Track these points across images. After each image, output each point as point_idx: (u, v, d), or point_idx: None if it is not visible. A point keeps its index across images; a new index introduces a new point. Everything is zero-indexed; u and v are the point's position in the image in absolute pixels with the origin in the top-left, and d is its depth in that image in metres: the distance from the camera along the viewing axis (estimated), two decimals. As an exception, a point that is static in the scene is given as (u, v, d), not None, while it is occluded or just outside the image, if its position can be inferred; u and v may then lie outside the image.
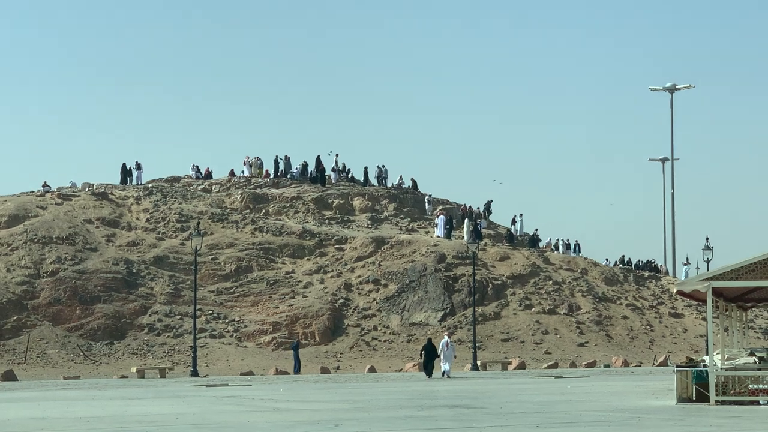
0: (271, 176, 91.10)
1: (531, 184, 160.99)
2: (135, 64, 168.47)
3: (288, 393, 39.55)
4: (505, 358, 66.95)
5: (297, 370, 59.74)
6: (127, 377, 56.41)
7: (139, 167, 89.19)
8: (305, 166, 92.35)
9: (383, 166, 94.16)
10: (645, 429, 23.37)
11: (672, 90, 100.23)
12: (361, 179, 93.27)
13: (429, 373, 53.96)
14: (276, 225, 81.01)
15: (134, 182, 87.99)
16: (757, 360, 31.45)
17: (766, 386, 30.26)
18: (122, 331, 67.21)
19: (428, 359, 54.64)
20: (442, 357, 54.61)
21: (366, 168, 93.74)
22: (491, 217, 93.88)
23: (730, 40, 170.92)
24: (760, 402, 29.77)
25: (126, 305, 68.88)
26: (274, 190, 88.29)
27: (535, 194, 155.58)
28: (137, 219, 78.96)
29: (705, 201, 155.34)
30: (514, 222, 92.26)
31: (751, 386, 30.41)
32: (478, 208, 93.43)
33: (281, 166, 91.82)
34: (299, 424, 25.32)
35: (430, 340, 57.53)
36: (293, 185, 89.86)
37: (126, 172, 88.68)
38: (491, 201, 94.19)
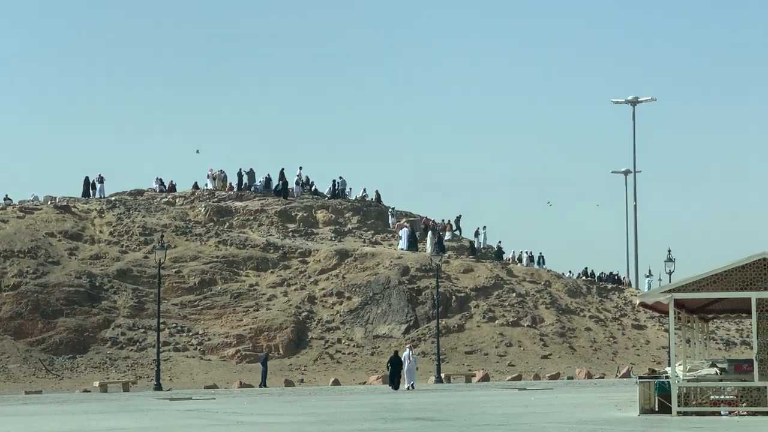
0: (235, 189, 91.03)
1: (495, 197, 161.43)
2: (97, 76, 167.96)
3: (252, 406, 39.49)
4: (469, 370, 67.10)
5: (263, 383, 59.65)
6: (89, 391, 56.15)
7: (101, 180, 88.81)
8: (269, 179, 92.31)
9: (341, 178, 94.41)
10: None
11: (634, 103, 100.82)
12: (325, 192, 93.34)
13: (395, 386, 54.03)
14: (240, 238, 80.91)
15: (97, 195, 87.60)
16: (718, 371, 31.66)
17: (727, 397, 30.48)
18: (85, 344, 66.88)
19: (394, 372, 54.77)
20: (405, 369, 54.72)
21: (334, 181, 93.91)
22: (461, 231, 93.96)
23: (691, 54, 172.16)
24: (722, 413, 29.97)
25: (89, 319, 68.56)
26: (238, 203, 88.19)
27: (498, 206, 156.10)
28: (100, 232, 78.66)
29: (667, 213, 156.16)
30: (477, 234, 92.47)
31: (712, 397, 30.62)
32: (443, 220, 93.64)
33: (245, 179, 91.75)
34: (263, 437, 25.29)
35: (396, 352, 57.60)
36: (257, 198, 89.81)
37: (89, 185, 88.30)
38: (460, 216, 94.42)
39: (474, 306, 77.02)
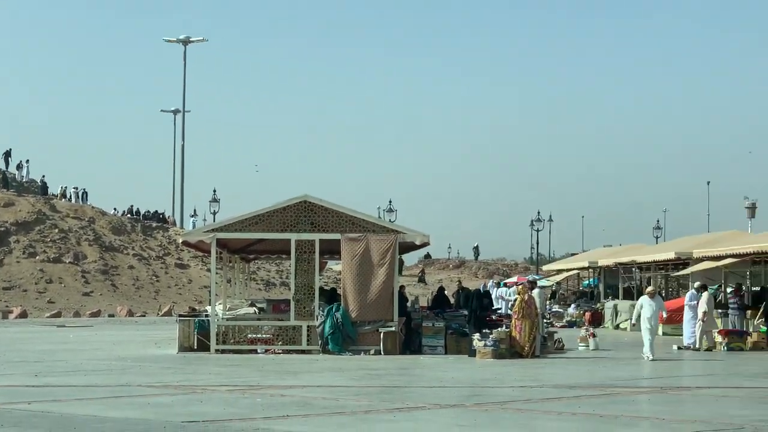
0: None
1: (39, 129, 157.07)
2: None
3: None
4: (7, 306, 65.27)
5: None
6: None
7: None
8: None
9: None
10: (144, 377, 23.57)
11: (185, 42, 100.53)
12: None
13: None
14: None
15: None
16: (257, 310, 32.50)
17: (263, 336, 31.37)
18: None
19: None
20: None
21: None
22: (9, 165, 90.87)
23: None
24: (258, 351, 30.79)
25: None
26: None
27: (44, 139, 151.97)
28: None
29: (214, 154, 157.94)
30: (19, 167, 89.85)
31: (250, 336, 31.42)
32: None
33: None
34: None
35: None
36: None
37: None
38: (10, 149, 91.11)
39: (14, 241, 74.87)
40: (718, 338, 34.41)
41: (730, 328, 35.85)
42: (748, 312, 37.11)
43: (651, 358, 29.38)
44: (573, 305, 56.27)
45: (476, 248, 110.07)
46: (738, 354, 32.56)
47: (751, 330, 35.43)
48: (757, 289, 42.05)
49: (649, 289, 32.01)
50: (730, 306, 37.71)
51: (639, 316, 30.78)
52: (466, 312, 33.05)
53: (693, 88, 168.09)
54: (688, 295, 36.59)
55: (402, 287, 34.76)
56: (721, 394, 21.17)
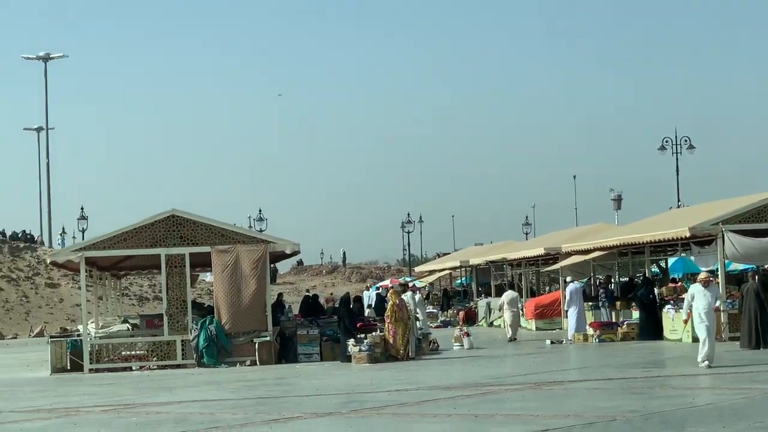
0: None
1: None
2: None
3: None
4: None
5: None
6: None
7: None
8: None
9: None
10: (16, 401, 23.18)
11: (46, 59, 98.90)
12: None
13: None
14: None
15: None
16: (130, 327, 32.17)
17: (138, 352, 31.11)
18: None
19: None
20: None
21: None
22: None
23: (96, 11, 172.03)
24: (133, 367, 30.53)
25: None
26: None
27: None
28: None
29: (81, 170, 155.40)
30: None
31: (124, 353, 31.14)
32: None
33: None
34: None
35: None
36: None
37: None
38: None
39: None
40: (590, 331, 35.08)
41: (602, 320, 36.63)
42: (618, 303, 37.82)
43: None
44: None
45: (344, 253, 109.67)
46: (609, 345, 33.18)
47: (621, 320, 36.12)
48: (626, 279, 42.89)
49: (702, 276, 26.14)
50: (600, 298, 38.53)
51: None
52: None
53: (550, 81, 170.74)
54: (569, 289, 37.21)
55: (280, 295, 34.59)
56: (592, 386, 21.59)
